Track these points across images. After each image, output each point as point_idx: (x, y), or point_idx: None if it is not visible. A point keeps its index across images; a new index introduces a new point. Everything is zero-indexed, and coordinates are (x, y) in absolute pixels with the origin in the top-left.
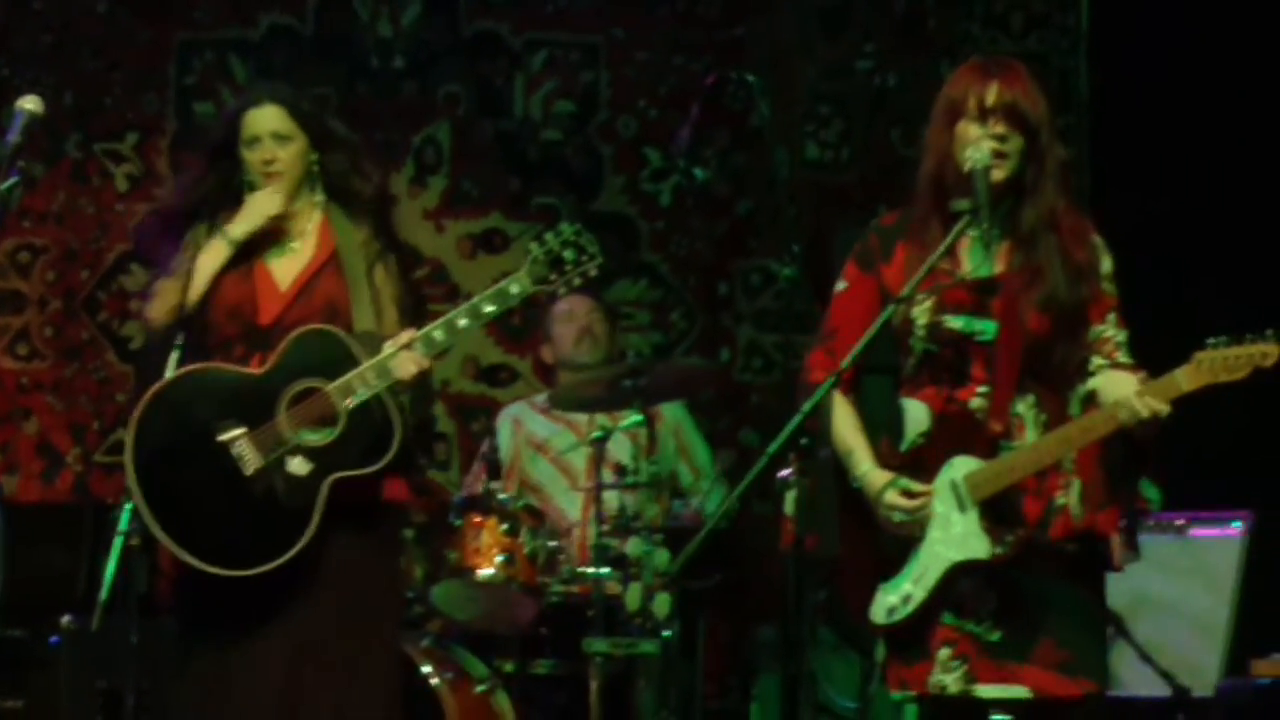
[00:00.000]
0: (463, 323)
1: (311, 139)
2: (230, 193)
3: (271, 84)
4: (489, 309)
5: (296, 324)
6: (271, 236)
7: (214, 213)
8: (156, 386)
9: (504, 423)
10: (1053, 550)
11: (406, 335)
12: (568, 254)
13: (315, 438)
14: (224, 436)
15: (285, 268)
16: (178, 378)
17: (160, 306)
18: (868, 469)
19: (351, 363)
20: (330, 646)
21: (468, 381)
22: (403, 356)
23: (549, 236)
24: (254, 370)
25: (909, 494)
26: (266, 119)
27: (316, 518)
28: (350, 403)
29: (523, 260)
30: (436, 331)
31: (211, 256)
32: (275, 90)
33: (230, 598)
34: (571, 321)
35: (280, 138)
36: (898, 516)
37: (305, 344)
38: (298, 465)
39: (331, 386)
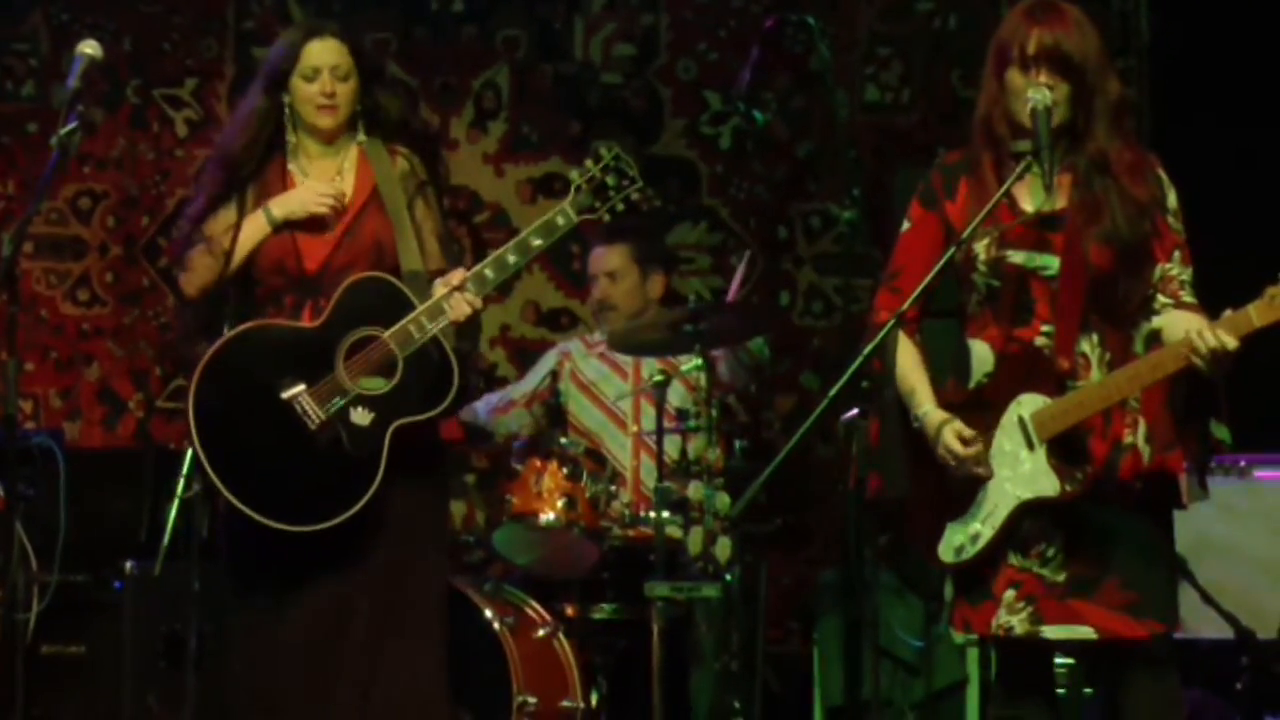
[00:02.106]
0: (512, 259)
1: (364, 77)
2: (280, 130)
3: (329, 20)
4: (537, 242)
5: (344, 268)
6: (312, 176)
7: (262, 158)
8: (211, 351)
9: (551, 355)
10: (1120, 490)
11: (458, 275)
12: (610, 179)
13: (375, 386)
14: (285, 394)
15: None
16: (231, 339)
17: (195, 281)
18: (928, 409)
19: (406, 308)
20: (380, 591)
21: (528, 326)
22: (456, 297)
23: (589, 163)
24: (308, 324)
25: (963, 440)
26: (328, 52)
27: (382, 466)
28: (408, 348)
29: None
30: (487, 269)
31: (252, 232)
32: (334, 25)
33: (282, 547)
34: (593, 282)
35: (340, 74)
36: (949, 459)
37: (358, 292)
38: (360, 415)
39: (387, 334)
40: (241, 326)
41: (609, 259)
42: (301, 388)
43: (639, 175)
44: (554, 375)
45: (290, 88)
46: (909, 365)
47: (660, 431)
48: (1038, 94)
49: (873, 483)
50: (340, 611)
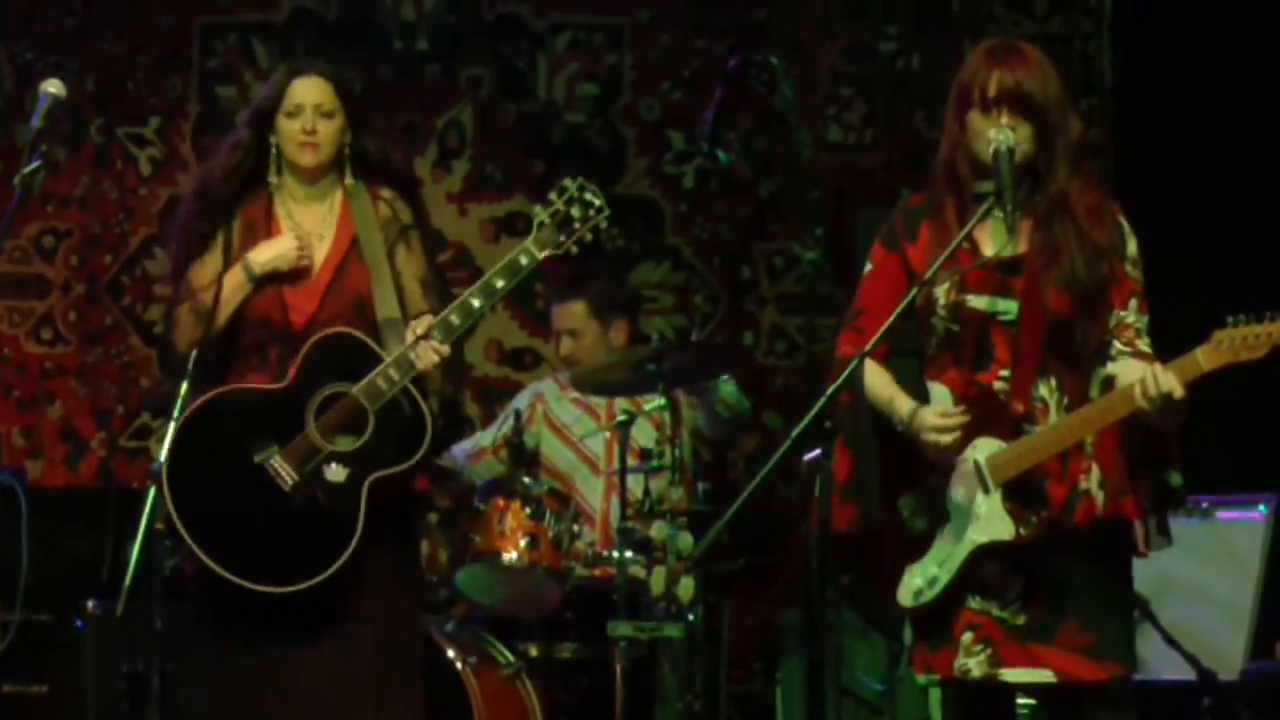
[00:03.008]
0: (477, 303)
1: (350, 119)
2: (261, 167)
3: (318, 60)
4: (501, 284)
5: (329, 321)
6: (298, 226)
7: (241, 192)
8: (184, 417)
9: (524, 395)
10: (1077, 535)
11: (423, 324)
12: (575, 211)
13: (348, 442)
14: (258, 458)
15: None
16: (202, 406)
17: (185, 338)
18: (912, 407)
19: (374, 361)
20: (366, 650)
21: (491, 365)
22: (422, 346)
23: (553, 196)
24: (277, 385)
25: (943, 413)
26: (313, 90)
27: (361, 521)
28: (378, 402)
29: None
30: (453, 316)
31: (234, 289)
32: (323, 65)
33: (265, 606)
34: (557, 341)
35: (324, 111)
36: (935, 438)
37: (325, 349)
38: (335, 472)
39: (356, 389)
40: (211, 393)
41: (567, 318)
42: (274, 449)
43: (605, 204)
44: (517, 415)
45: (275, 126)
46: (881, 382)
47: (624, 470)
48: (1000, 135)
49: (845, 515)
50: (327, 670)
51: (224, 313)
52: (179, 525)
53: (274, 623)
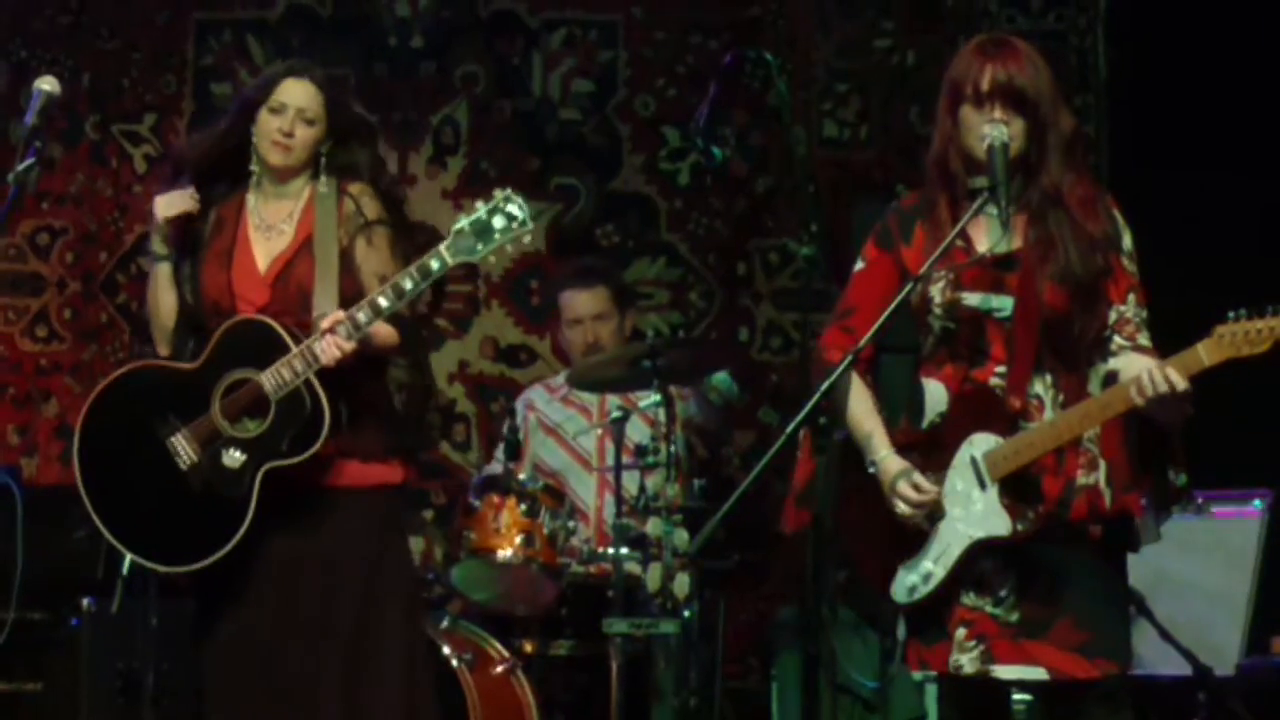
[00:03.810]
0: (384, 302)
1: (331, 129)
2: (241, 156)
3: (317, 66)
4: (409, 285)
5: (276, 316)
6: (262, 219)
7: (216, 178)
8: (96, 392)
9: (519, 407)
10: (1074, 530)
11: (330, 319)
12: (497, 221)
13: (248, 428)
14: (163, 434)
15: (267, 249)
16: (114, 380)
17: (162, 345)
18: (885, 455)
19: (284, 351)
20: (338, 634)
21: (487, 362)
22: (326, 340)
23: (478, 204)
24: (189, 365)
25: (918, 488)
26: (301, 93)
27: (252, 509)
28: (280, 391)
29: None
30: (360, 313)
31: (157, 284)
32: (320, 72)
33: (242, 589)
34: (578, 328)
35: (306, 117)
36: (902, 508)
37: (237, 334)
38: (231, 458)
39: (261, 376)
40: (124, 368)
41: (593, 303)
42: (178, 427)
43: (530, 219)
44: (511, 414)
45: (257, 118)
46: (863, 410)
47: (619, 467)
48: (994, 130)
49: (797, 519)
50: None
51: (161, 311)
52: (84, 497)
53: (250, 620)
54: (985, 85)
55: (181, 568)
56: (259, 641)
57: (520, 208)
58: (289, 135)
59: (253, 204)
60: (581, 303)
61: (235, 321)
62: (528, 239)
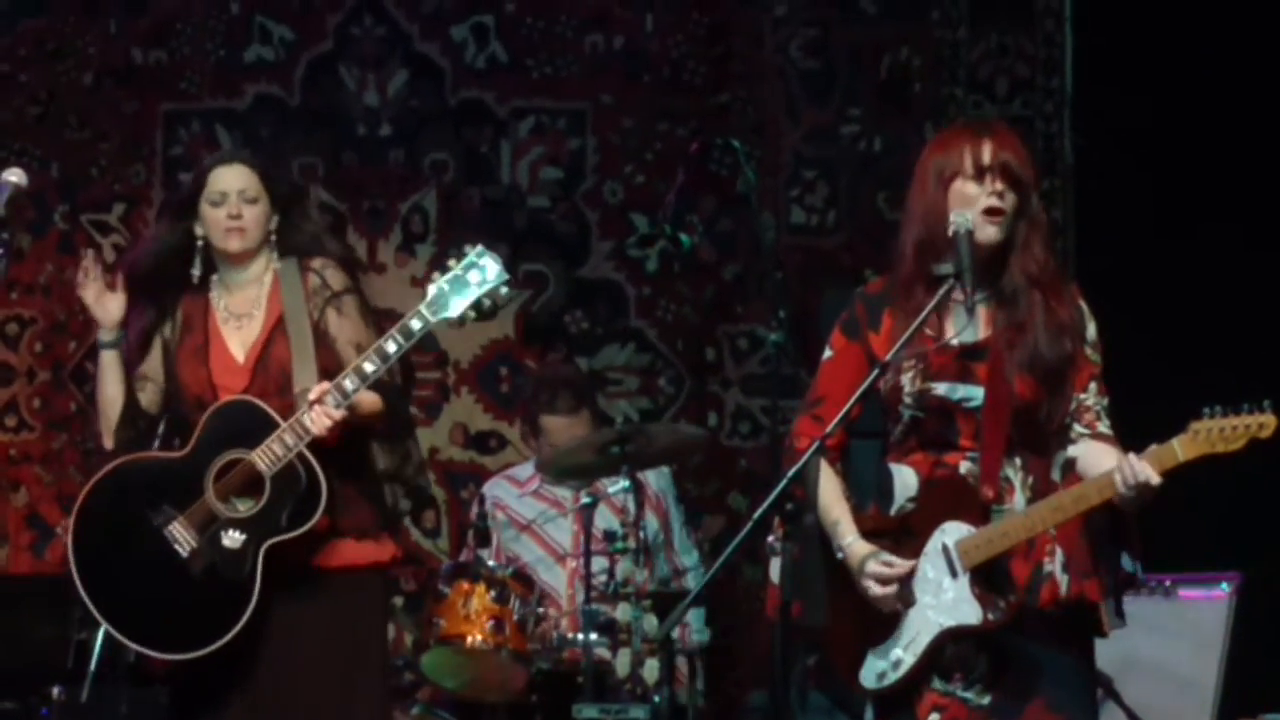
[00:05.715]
0: (369, 367)
1: (274, 202)
2: (186, 256)
3: (240, 149)
4: (391, 348)
5: (259, 399)
6: (229, 311)
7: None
8: (86, 490)
9: (487, 498)
10: (1042, 616)
11: (318, 389)
12: (472, 276)
13: (244, 508)
14: (159, 524)
15: (241, 338)
16: (104, 476)
17: (106, 437)
18: (851, 540)
19: (271, 427)
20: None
21: (456, 449)
22: (316, 410)
23: (451, 263)
24: (178, 453)
25: (889, 564)
26: (235, 176)
27: (257, 587)
28: (274, 467)
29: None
30: (346, 380)
31: (104, 372)
32: (244, 153)
33: (220, 675)
34: (547, 440)
35: (247, 197)
36: (875, 589)
37: (223, 417)
38: (231, 539)
39: (253, 454)
40: (114, 462)
41: (577, 428)
42: (174, 516)
43: (505, 270)
44: (481, 499)
45: (200, 215)
46: (832, 498)
47: (588, 553)
48: (959, 217)
49: (794, 608)
50: None
51: (112, 408)
52: (83, 593)
53: (232, 701)
54: (987, 158)
55: (188, 654)
56: None
57: (495, 261)
58: (237, 218)
59: (216, 297)
60: (560, 428)
61: (220, 404)
62: (504, 290)
